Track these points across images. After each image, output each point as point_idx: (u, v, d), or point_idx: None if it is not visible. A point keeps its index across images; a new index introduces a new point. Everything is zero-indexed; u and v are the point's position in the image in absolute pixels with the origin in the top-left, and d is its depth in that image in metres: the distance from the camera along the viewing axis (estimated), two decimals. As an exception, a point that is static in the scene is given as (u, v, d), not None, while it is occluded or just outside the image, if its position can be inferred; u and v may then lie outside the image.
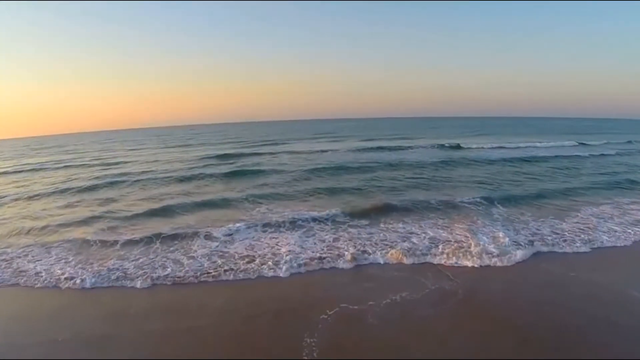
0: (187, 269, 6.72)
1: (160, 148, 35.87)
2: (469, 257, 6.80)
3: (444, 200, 10.80)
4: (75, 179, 18.31)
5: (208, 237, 8.30)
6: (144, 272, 6.61)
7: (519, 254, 6.90)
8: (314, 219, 9.28)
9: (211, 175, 16.65)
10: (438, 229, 8.51)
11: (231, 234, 8.42)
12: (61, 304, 5.83)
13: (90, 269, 6.83)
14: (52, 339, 4.82)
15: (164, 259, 7.16)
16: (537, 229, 8.37)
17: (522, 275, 6.32)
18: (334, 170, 16.80)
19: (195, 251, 7.54)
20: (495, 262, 6.67)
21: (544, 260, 6.87)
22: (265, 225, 8.98)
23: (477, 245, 7.25)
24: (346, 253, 7.14)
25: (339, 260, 6.89)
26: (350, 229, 8.64)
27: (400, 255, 6.96)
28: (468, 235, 7.91)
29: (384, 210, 9.96)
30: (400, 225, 8.86)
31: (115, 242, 8.21)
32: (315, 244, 7.73)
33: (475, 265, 6.56)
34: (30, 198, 14.04)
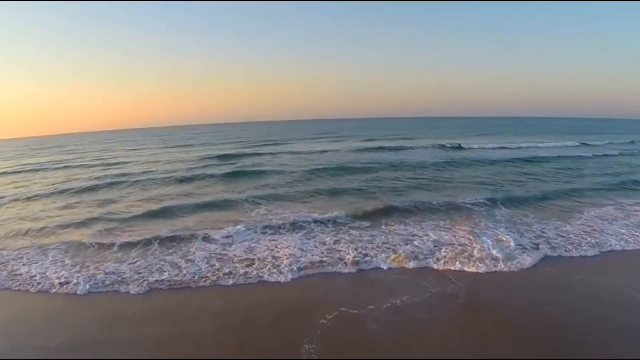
0: (184, 272, 6.59)
1: (161, 148, 35.78)
2: (473, 262, 6.61)
3: (446, 202, 10.67)
4: (75, 179, 18.22)
5: (207, 239, 8.18)
6: (141, 276, 6.49)
7: (525, 260, 6.72)
8: (315, 221, 9.16)
9: (211, 176, 16.54)
10: (440, 231, 8.38)
11: (230, 236, 8.30)
12: (55, 309, 5.70)
13: (86, 273, 6.71)
14: (45, 344, 4.71)
15: (162, 262, 7.03)
16: (542, 231, 8.24)
17: (526, 278, 6.20)
18: (335, 171, 16.67)
19: (194, 253, 7.42)
20: (502, 267, 6.49)
21: (549, 263, 6.73)
22: (265, 227, 8.85)
23: (482, 250, 7.08)
24: (347, 256, 7.02)
25: (339, 264, 6.76)
26: (351, 231, 8.51)
27: (402, 259, 6.82)
28: (471, 238, 7.77)
29: (386, 212, 9.83)
30: (402, 227, 8.73)
31: (113, 244, 8.09)
32: (315, 246, 7.60)
33: (480, 272, 6.36)
34: (28, 199, 13.94)
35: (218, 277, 6.39)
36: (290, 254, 7.17)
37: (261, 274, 6.44)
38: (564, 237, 7.89)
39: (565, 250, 7.23)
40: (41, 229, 9.70)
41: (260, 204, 11.23)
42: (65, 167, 23.59)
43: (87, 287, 6.19)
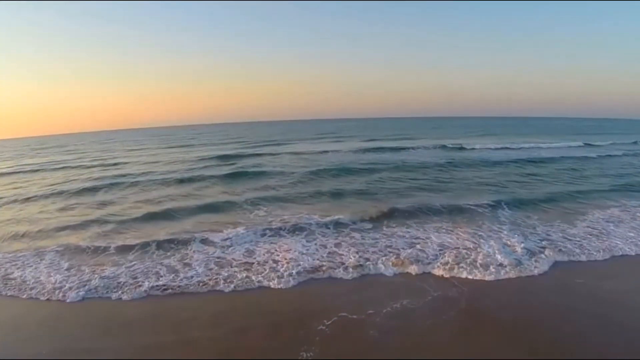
0: (181, 277, 6.43)
1: (161, 148, 35.64)
2: (477, 268, 6.40)
3: (449, 203, 10.50)
4: (74, 180, 18.11)
5: (205, 242, 8.02)
6: (137, 281, 6.33)
7: (530, 265, 6.54)
8: (316, 223, 8.99)
9: (211, 177, 16.40)
10: (444, 233, 8.21)
11: (229, 239, 8.14)
12: (47, 315, 5.54)
13: (81, 278, 6.55)
14: (37, 352, 4.56)
15: (159, 267, 6.88)
16: (547, 234, 8.07)
17: (533, 284, 6.04)
18: (336, 172, 16.50)
19: (192, 257, 7.27)
20: (507, 272, 6.29)
21: (557, 268, 6.56)
22: (264, 229, 8.70)
23: (487, 254, 6.87)
24: (348, 260, 6.86)
25: (340, 268, 6.60)
26: (353, 233, 8.36)
27: (404, 264, 6.66)
28: (476, 241, 7.60)
29: (388, 214, 9.67)
30: (404, 229, 8.57)
31: (110, 247, 7.94)
32: (316, 250, 7.44)
33: (487, 279, 6.13)
34: (26, 200, 13.81)
35: (216, 282, 6.23)
36: (290, 258, 7.02)
37: (260, 279, 6.28)
38: (570, 240, 7.71)
39: (573, 255, 7.03)
40: (38, 231, 9.58)
41: (260, 205, 11.08)
42: (65, 167, 23.48)
43: (81, 293, 6.02)
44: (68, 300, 5.89)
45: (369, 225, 8.88)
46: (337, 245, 7.68)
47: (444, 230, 8.44)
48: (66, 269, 6.96)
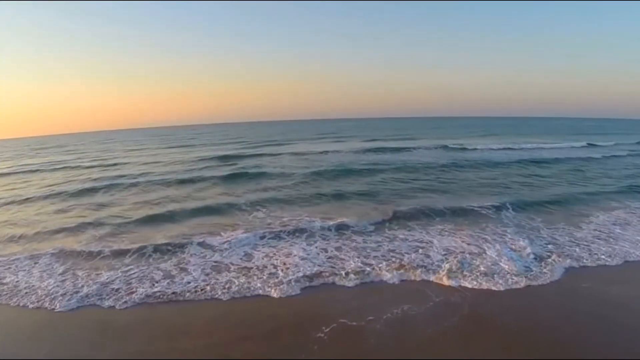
0: (177, 283, 6.23)
1: (161, 149, 35.49)
2: (485, 277, 6.12)
3: (452, 205, 10.32)
4: (73, 181, 17.96)
5: (203, 246, 7.84)
6: (132, 287, 6.13)
7: (539, 272, 6.30)
8: (317, 226, 8.80)
9: (211, 178, 16.23)
10: (447, 237, 8.03)
11: (228, 242, 7.96)
12: (38, 323, 5.36)
13: (74, 284, 6.36)
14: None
15: (155, 272, 6.68)
16: (554, 238, 7.88)
17: (540, 290, 5.84)
18: (337, 173, 16.32)
19: (188, 261, 7.09)
20: (517, 282, 5.98)
21: (565, 274, 6.35)
22: (264, 232, 8.51)
23: (493, 262, 6.61)
24: (349, 265, 6.67)
25: (341, 273, 6.40)
26: (354, 236, 8.19)
27: (407, 269, 6.46)
28: (480, 245, 7.42)
29: (390, 216, 9.51)
30: (407, 232, 8.40)
31: (106, 252, 7.75)
32: (317, 254, 7.25)
33: (494, 289, 5.80)
34: (24, 202, 13.65)
35: (212, 288, 6.04)
36: (289, 263, 6.84)
37: (258, 285, 6.08)
38: (578, 244, 7.52)
39: (582, 261, 6.81)
40: (34, 234, 9.43)
41: (260, 207, 10.90)
42: (64, 168, 23.35)
43: (74, 300, 5.82)
44: (58, 310, 5.65)
45: (371, 228, 8.70)
46: (338, 249, 7.50)
47: (447, 233, 8.26)
48: (60, 274, 6.79)
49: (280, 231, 8.58)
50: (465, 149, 25.07)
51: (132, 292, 5.95)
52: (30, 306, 5.79)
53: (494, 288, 5.81)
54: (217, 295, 5.85)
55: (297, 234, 8.38)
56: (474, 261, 6.68)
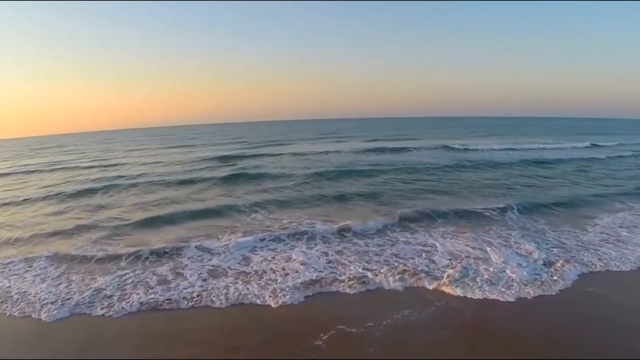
0: (172, 290, 6.02)
1: (161, 149, 35.32)
2: (491, 285, 5.83)
3: (456, 207, 10.12)
4: (71, 181, 17.79)
5: (201, 249, 7.65)
6: (125, 294, 5.93)
7: (547, 278, 6.08)
8: (317, 229, 8.62)
9: (211, 179, 16.04)
10: (451, 240, 7.84)
11: (226, 246, 7.77)
12: (28, 332, 5.18)
13: (68, 290, 6.16)
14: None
15: (149, 278, 6.48)
16: (560, 242, 7.69)
17: (548, 297, 5.64)
18: (338, 174, 16.11)
19: (185, 266, 6.91)
20: (525, 290, 5.71)
21: (574, 279, 6.13)
22: (263, 236, 8.32)
23: (499, 269, 6.34)
24: (350, 270, 6.49)
25: (341, 279, 6.20)
26: (356, 240, 8.02)
27: (410, 275, 6.26)
28: (486, 251, 7.21)
29: (392, 218, 9.29)
30: (410, 235, 8.23)
31: (101, 255, 7.57)
32: (317, 258, 7.07)
33: (501, 299, 5.50)
34: (21, 203, 13.49)
35: (209, 294, 5.84)
36: (289, 268, 6.66)
37: (256, 291, 5.89)
38: (586, 248, 7.32)
39: (595, 265, 6.60)
40: (30, 236, 9.25)
41: (260, 209, 10.72)
42: (63, 168, 23.18)
43: (66, 308, 5.61)
44: (47, 319, 5.40)
45: (373, 231, 8.53)
46: (339, 252, 7.33)
47: (450, 236, 8.08)
48: (54, 278, 6.61)
49: (280, 234, 8.39)
50: (467, 149, 24.86)
51: (127, 300, 5.74)
52: (19, 314, 5.58)
53: (499, 298, 5.55)
54: (213, 302, 5.66)
55: (297, 237, 8.21)
56: (479, 267, 6.48)
